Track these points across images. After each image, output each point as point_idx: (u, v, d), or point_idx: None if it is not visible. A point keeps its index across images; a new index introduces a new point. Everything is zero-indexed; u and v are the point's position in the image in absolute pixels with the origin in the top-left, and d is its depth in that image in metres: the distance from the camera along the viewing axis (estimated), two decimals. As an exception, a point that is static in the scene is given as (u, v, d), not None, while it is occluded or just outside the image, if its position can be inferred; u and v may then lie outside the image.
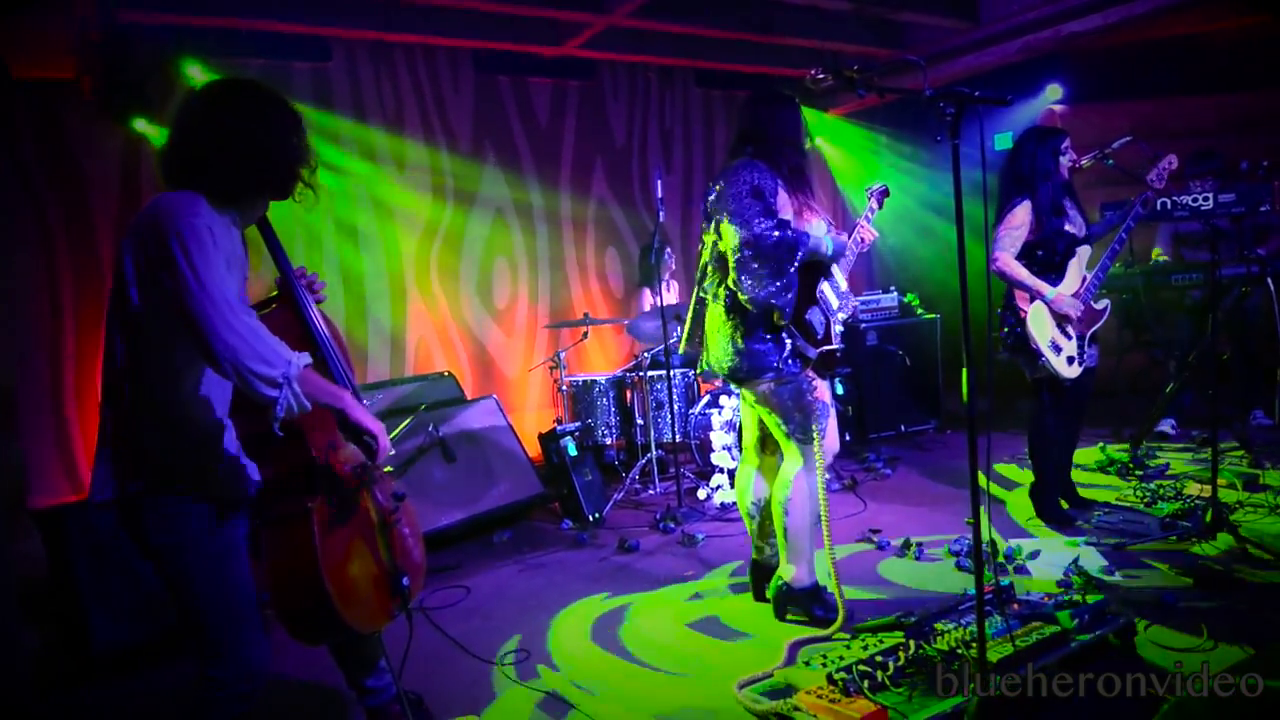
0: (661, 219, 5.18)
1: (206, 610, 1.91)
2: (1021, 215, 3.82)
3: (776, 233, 2.91)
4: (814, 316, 3.05)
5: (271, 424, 1.86)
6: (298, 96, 5.70)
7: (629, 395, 5.65)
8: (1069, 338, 3.85)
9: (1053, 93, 7.07)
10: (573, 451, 4.80)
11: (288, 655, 3.05)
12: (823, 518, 3.04)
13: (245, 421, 2.01)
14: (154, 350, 1.87)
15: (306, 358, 1.88)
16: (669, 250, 6.25)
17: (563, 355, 5.67)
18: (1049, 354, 3.78)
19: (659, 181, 5.11)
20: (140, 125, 5.17)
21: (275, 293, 2.21)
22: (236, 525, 1.99)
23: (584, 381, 5.65)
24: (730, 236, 2.96)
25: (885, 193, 3.35)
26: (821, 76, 2.37)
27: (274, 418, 1.84)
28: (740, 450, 4.87)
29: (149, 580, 3.32)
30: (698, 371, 3.34)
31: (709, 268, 3.17)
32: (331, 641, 2.33)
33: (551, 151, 6.84)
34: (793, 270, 2.95)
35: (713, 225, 3.11)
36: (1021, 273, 3.81)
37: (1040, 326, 3.80)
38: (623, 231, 7.26)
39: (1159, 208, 4.50)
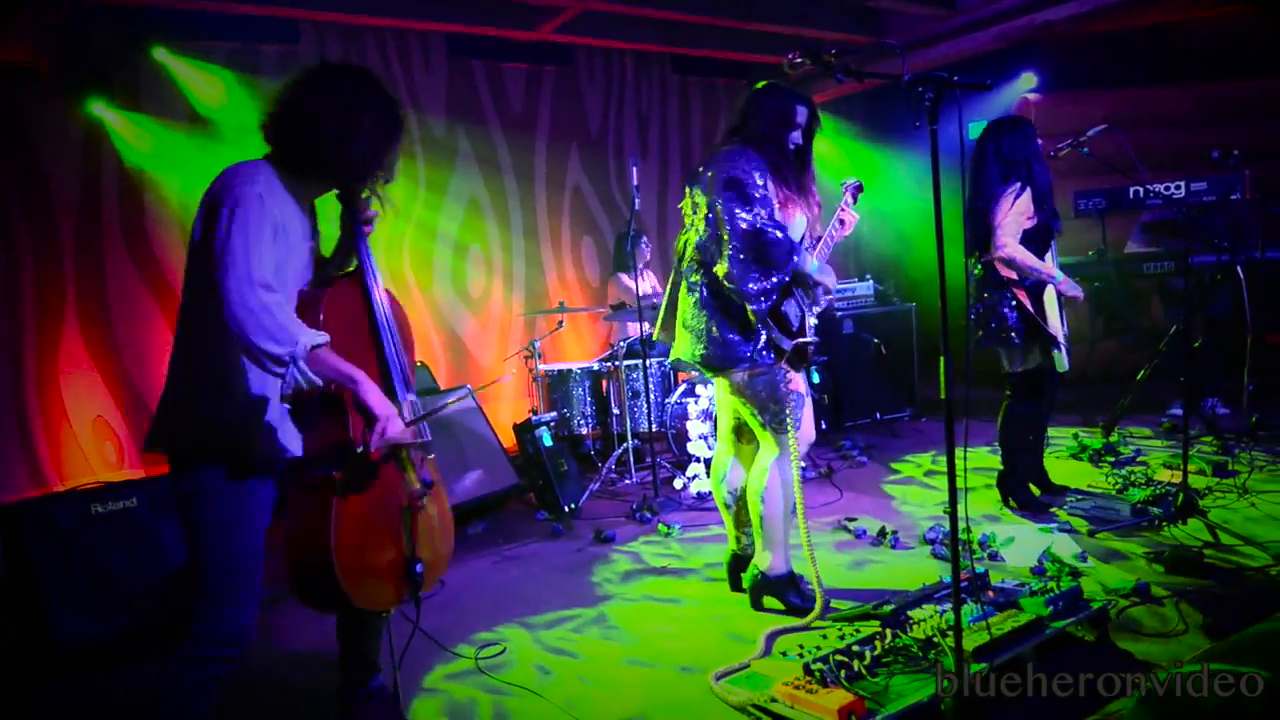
0: (637, 206, 5.13)
1: (207, 562, 1.96)
2: (1025, 202, 3.75)
3: (778, 233, 2.88)
4: (790, 309, 3.01)
5: (282, 394, 1.94)
6: (265, 79, 5.58)
7: (605, 384, 5.60)
8: (1064, 326, 3.88)
9: (1027, 81, 7.09)
10: (548, 442, 4.75)
11: (275, 639, 3.01)
12: (798, 508, 3.02)
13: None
14: (208, 315, 1.90)
15: (321, 337, 1.92)
16: (645, 239, 6.20)
17: (538, 344, 5.62)
18: (1064, 343, 3.81)
19: (634, 169, 5.06)
20: (101, 110, 5.04)
21: (350, 269, 2.27)
22: (260, 490, 2.03)
23: (559, 371, 5.60)
24: (725, 225, 2.91)
25: (859, 188, 3.29)
26: (800, 61, 2.34)
27: (282, 391, 1.93)
28: (716, 439, 4.87)
29: (114, 576, 3.27)
30: (670, 361, 3.30)
31: (690, 255, 3.11)
32: (335, 612, 2.34)
33: (526, 138, 6.76)
34: (784, 277, 2.91)
35: (698, 212, 3.05)
36: (1031, 258, 3.75)
37: (1055, 317, 3.81)
38: (599, 219, 7.20)
39: (1131, 196, 4.54)
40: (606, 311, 5.82)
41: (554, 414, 5.15)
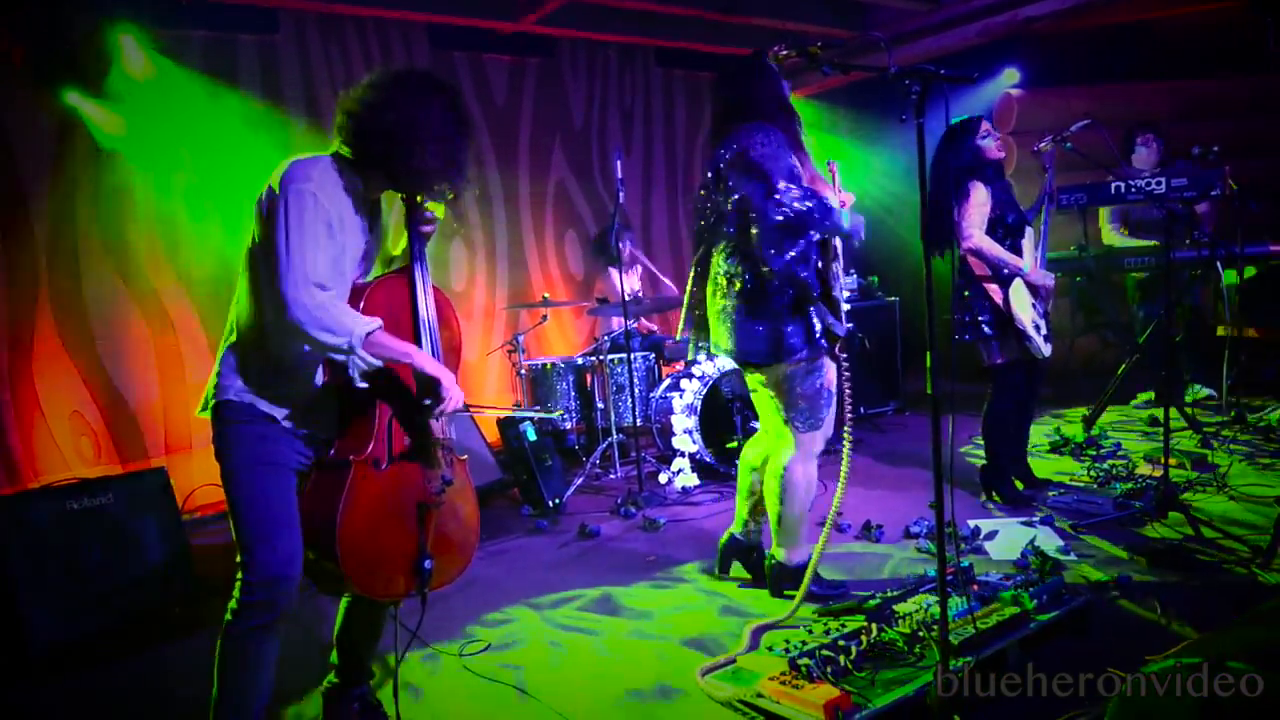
0: (621, 200, 5.10)
1: (241, 512, 2.04)
2: (983, 194, 3.83)
3: (809, 203, 2.78)
4: (839, 293, 2.97)
5: (352, 379, 2.06)
6: (243, 70, 5.50)
7: (589, 379, 5.58)
8: (1041, 315, 3.91)
9: (1010, 77, 7.11)
10: (532, 437, 4.72)
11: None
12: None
13: (330, 373, 2.15)
14: (263, 289, 2.03)
15: (374, 323, 2.03)
16: (629, 233, 6.17)
17: (521, 339, 5.58)
18: (1034, 334, 3.83)
19: (618, 162, 5.02)
20: (75, 99, 4.94)
21: (404, 264, 2.35)
22: (290, 448, 2.12)
23: (543, 365, 5.57)
24: (753, 202, 2.80)
25: (835, 166, 3.26)
26: (786, 53, 2.32)
27: (349, 372, 2.07)
28: (700, 434, 4.86)
29: (90, 574, 3.22)
30: (689, 357, 3.26)
31: (721, 246, 3.00)
32: (339, 594, 2.35)
33: (509, 131, 6.71)
34: (815, 238, 2.82)
35: (723, 199, 2.93)
36: (997, 249, 3.83)
37: (1024, 307, 3.84)
38: (582, 213, 7.16)
39: (1112, 191, 4.56)
40: (591, 305, 5.79)
41: (538, 408, 5.12)
